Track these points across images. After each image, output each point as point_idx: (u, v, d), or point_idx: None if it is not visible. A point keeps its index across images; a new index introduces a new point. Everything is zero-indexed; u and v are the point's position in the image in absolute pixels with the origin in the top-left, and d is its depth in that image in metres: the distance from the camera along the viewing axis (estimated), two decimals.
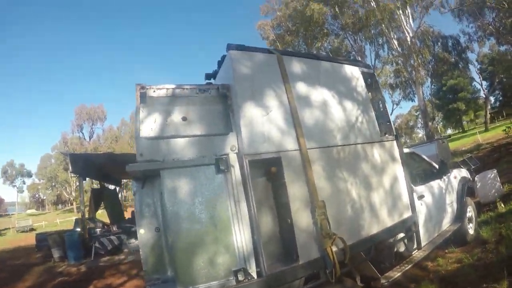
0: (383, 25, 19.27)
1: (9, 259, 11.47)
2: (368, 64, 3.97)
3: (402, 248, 3.76)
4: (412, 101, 25.41)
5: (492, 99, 42.51)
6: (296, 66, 2.98)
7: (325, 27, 24.23)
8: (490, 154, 14.80)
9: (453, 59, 21.63)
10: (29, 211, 60.17)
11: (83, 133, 52.31)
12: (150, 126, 2.40)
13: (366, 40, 23.02)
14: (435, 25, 28.08)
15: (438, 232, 4.36)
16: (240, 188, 2.29)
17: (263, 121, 2.53)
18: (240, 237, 2.23)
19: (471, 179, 5.78)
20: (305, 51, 27.62)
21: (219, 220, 2.22)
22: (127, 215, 15.14)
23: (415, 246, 3.80)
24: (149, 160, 2.25)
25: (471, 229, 5.09)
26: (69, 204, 57.70)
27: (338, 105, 3.09)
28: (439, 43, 21.70)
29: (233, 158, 2.34)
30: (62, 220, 38.60)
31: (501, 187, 7.08)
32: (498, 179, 7.08)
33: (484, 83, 38.95)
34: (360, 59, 24.86)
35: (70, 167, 10.47)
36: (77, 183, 48.14)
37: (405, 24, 19.52)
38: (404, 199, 3.56)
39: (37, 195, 66.19)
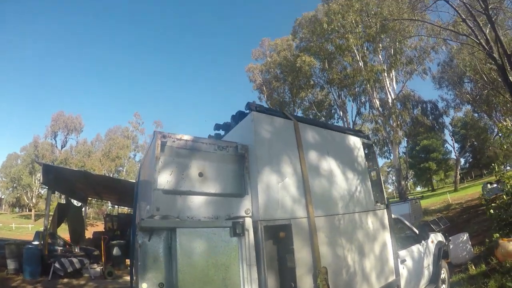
0: (368, 85, 20.47)
1: None
2: (368, 135, 4.35)
3: None
4: (387, 159, 26.58)
5: (462, 160, 45.45)
6: (309, 134, 3.22)
7: (312, 79, 25.51)
8: (460, 215, 15.54)
9: (430, 123, 23.19)
10: None
11: (56, 141, 50.42)
12: (166, 178, 2.37)
13: (350, 96, 24.19)
14: (416, 89, 30.48)
15: None
16: (252, 252, 2.35)
17: (278, 187, 2.67)
18: None
19: (446, 243, 6.16)
20: (289, 99, 28.64)
21: (230, 283, 2.25)
22: (88, 234, 14.81)
23: None
24: (165, 215, 2.23)
25: None
26: (27, 210, 53.84)
27: (341, 175, 3.34)
28: (419, 107, 23.32)
29: (248, 222, 2.42)
30: (18, 226, 36.05)
31: (472, 249, 7.54)
32: (469, 242, 7.56)
33: (455, 145, 41.81)
34: (341, 114, 26.13)
35: (41, 178, 10.10)
36: (40, 190, 45.70)
37: (388, 86, 20.97)
38: (390, 264, 3.78)
39: None
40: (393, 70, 20.83)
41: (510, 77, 7.56)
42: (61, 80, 79.22)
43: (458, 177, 35.93)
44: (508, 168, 35.73)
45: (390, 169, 57.96)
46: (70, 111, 52.91)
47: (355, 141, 3.81)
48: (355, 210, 3.36)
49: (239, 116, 3.12)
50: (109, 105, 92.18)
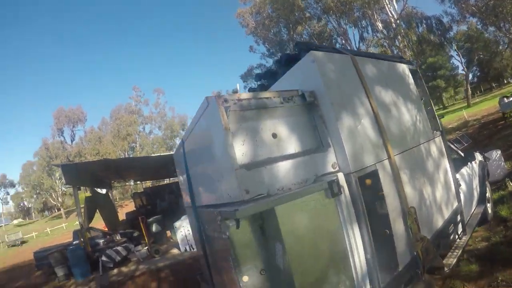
0: (368, 7, 19.28)
1: (9, 281, 10.79)
2: (410, 60, 4.02)
3: (451, 236, 3.97)
4: None
5: (470, 75, 44.13)
6: (366, 67, 2.89)
7: (308, 11, 24.21)
8: (480, 131, 15.31)
9: (437, 40, 22.05)
10: (15, 221, 58.43)
11: (64, 137, 50.70)
12: (240, 150, 1.99)
13: (350, 23, 23.02)
14: (418, 6, 28.56)
15: (470, 215, 4.62)
16: (351, 210, 2.16)
17: (358, 131, 2.43)
18: (356, 260, 2.15)
19: (486, 162, 6.08)
20: (287, 36, 27.49)
21: (338, 249, 2.10)
22: (120, 216, 15.04)
23: (460, 231, 4.01)
24: (256, 197, 1.88)
25: (489, 208, 5.40)
26: (56, 210, 56.12)
27: (403, 106, 3.10)
28: (423, 24, 22.04)
29: (341, 177, 2.19)
30: (52, 228, 37.58)
31: (505, 166, 7.46)
32: (502, 159, 7.46)
33: (462, 60, 40.19)
34: (344, 42, 25.02)
35: (64, 179, 10.01)
36: (63, 188, 46.94)
37: (388, 5, 19.72)
38: (453, 190, 3.71)
39: (21, 204, 64.11)
40: None
41: None
42: (54, 77, 77.52)
43: (469, 92, 35.15)
44: None
45: None
46: (69, 104, 53.02)
47: (403, 68, 3.50)
48: (421, 142, 3.18)
49: (285, 61, 2.79)
50: (107, 87, 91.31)
